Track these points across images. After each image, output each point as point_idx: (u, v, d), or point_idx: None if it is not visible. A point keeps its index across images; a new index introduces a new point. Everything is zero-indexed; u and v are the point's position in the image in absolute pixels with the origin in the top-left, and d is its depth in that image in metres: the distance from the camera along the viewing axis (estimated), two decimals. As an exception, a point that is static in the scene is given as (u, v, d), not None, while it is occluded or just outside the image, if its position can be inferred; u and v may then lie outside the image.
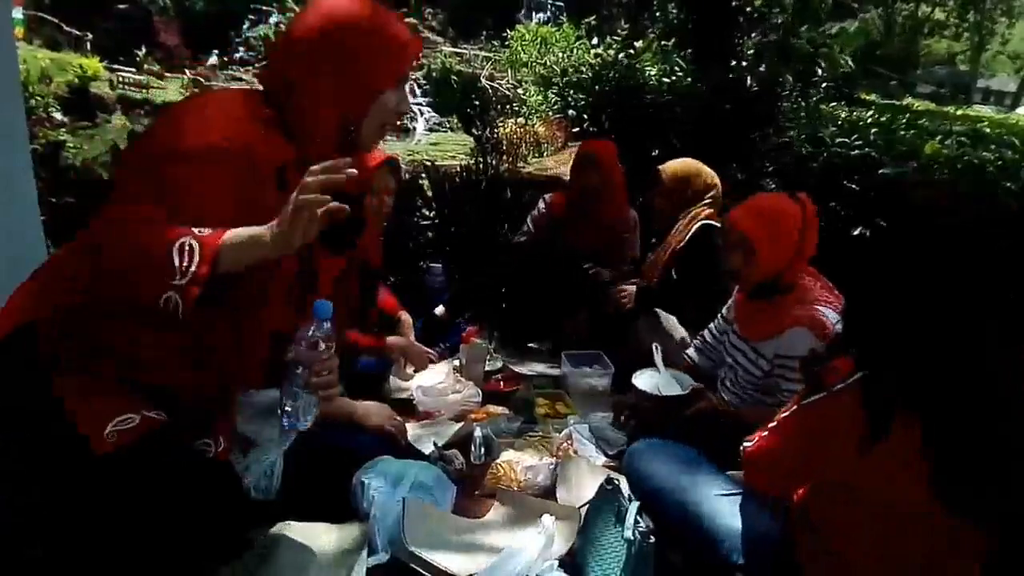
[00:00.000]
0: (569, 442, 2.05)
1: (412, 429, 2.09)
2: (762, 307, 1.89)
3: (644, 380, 2.01)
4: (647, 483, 1.50)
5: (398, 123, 1.21)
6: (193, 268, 0.93)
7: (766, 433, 1.27)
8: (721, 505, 1.37)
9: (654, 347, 2.07)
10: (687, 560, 1.47)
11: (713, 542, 1.33)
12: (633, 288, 2.69)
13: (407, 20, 1.34)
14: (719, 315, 2.17)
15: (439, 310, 2.83)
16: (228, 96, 1.15)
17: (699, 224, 2.57)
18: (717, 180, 2.67)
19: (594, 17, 7.35)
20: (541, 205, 3.01)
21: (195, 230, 0.95)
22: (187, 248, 0.93)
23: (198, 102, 1.14)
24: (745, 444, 1.32)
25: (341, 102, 1.11)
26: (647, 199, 2.77)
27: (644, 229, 2.99)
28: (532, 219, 3.01)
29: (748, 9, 4.57)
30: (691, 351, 2.22)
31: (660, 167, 2.67)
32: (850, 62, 6.97)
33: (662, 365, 2.03)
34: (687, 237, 2.58)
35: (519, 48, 7.87)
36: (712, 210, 2.61)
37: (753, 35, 4.55)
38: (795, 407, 1.22)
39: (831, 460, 1.15)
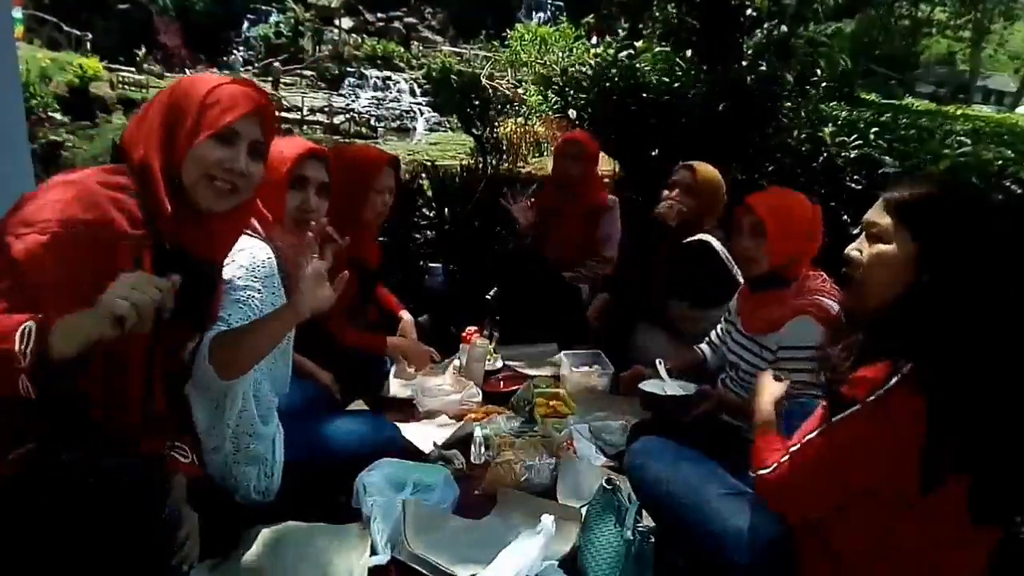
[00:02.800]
0: (569, 442, 2.05)
1: (412, 429, 2.09)
2: (764, 300, 1.90)
3: (650, 384, 2.04)
4: (649, 482, 1.49)
5: (233, 181, 1.20)
6: (30, 349, 0.93)
7: (787, 457, 1.17)
8: (725, 504, 1.36)
9: (657, 362, 2.10)
10: (688, 560, 1.47)
11: (716, 541, 1.32)
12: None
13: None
14: (723, 315, 2.17)
15: (423, 319, 2.81)
16: (92, 171, 1.16)
17: (699, 237, 2.48)
18: None
19: (592, 16, 7.35)
20: (528, 195, 3.11)
21: (39, 315, 0.96)
22: (27, 332, 0.94)
23: (65, 176, 1.13)
24: (762, 471, 1.22)
25: (161, 155, 1.15)
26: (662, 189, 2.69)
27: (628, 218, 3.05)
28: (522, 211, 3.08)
29: (748, 10, 4.57)
30: (703, 345, 2.25)
31: (690, 164, 2.56)
32: (849, 62, 6.97)
33: (666, 375, 2.06)
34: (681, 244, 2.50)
35: (519, 48, 7.87)
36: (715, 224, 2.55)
37: (753, 35, 4.54)
38: (823, 427, 1.11)
39: (878, 474, 1.07)
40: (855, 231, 1.21)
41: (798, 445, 1.15)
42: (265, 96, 1.26)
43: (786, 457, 1.17)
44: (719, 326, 2.20)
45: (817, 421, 1.15)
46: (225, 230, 1.28)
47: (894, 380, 1.01)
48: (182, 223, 1.18)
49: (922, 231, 1.05)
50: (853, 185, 3.36)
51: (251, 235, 1.50)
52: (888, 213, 1.09)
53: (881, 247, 1.09)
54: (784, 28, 4.32)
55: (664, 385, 2.03)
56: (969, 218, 1.05)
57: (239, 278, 1.41)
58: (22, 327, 0.95)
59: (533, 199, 3.11)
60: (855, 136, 3.68)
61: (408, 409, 2.27)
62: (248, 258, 1.45)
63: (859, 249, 1.15)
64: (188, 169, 1.17)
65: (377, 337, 2.27)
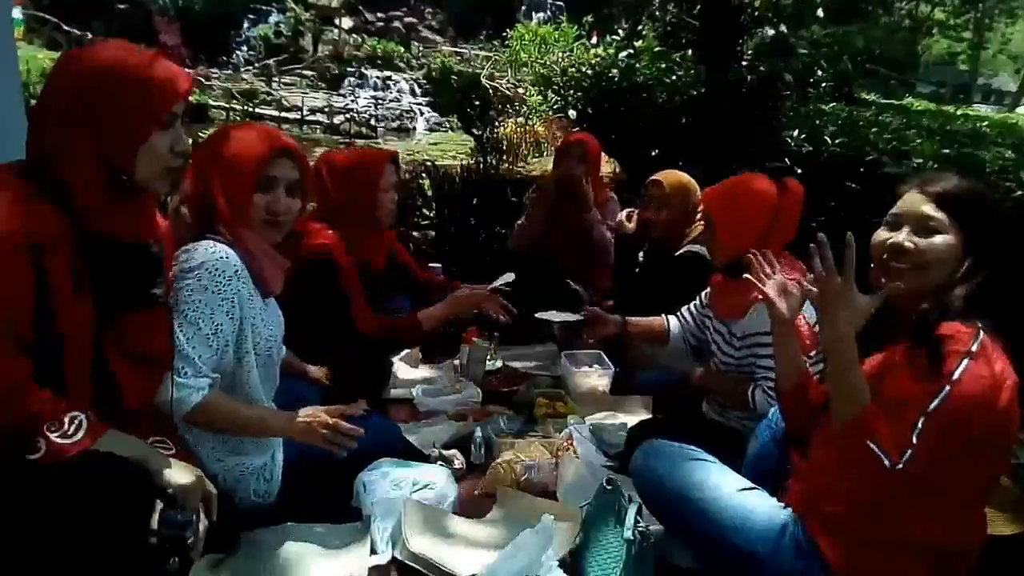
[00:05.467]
0: (569, 442, 2.05)
1: (412, 429, 2.09)
2: (731, 287, 1.92)
3: (545, 314, 2.31)
4: (658, 483, 1.48)
5: (180, 162, 1.20)
6: (79, 438, 1.04)
7: (916, 437, 1.08)
8: (741, 499, 1.37)
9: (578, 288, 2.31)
10: (702, 559, 1.47)
11: (735, 535, 1.32)
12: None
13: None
14: (698, 297, 2.19)
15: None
16: None
17: (687, 249, 2.50)
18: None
19: (590, 15, 7.33)
20: (531, 192, 3.13)
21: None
22: (77, 421, 1.05)
23: None
24: (898, 465, 1.09)
25: (103, 157, 1.11)
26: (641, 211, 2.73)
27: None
28: (528, 205, 3.10)
29: (749, 10, 4.57)
30: (671, 317, 2.26)
31: (656, 178, 2.61)
32: (850, 64, 6.96)
33: (566, 314, 2.33)
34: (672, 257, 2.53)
35: (519, 48, 7.87)
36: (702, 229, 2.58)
37: (753, 35, 4.54)
38: (946, 386, 1.09)
39: (998, 427, 1.14)
40: (887, 221, 1.30)
41: (920, 421, 1.10)
42: (177, 63, 1.23)
43: (915, 436, 1.09)
44: (692, 305, 2.21)
45: (918, 387, 1.13)
46: (153, 205, 1.27)
47: (981, 330, 1.14)
48: (114, 213, 1.15)
49: (967, 221, 1.23)
50: (853, 185, 3.37)
51: (216, 239, 1.41)
52: (940, 208, 1.24)
53: (942, 238, 1.23)
54: (784, 28, 4.32)
55: (554, 315, 2.32)
56: (992, 207, 1.28)
57: (205, 304, 1.34)
58: (71, 414, 1.05)
59: (534, 199, 3.11)
60: (855, 136, 3.69)
61: (408, 409, 2.28)
62: (213, 278, 1.35)
63: (911, 241, 1.24)
64: (143, 166, 1.14)
65: (407, 318, 2.24)
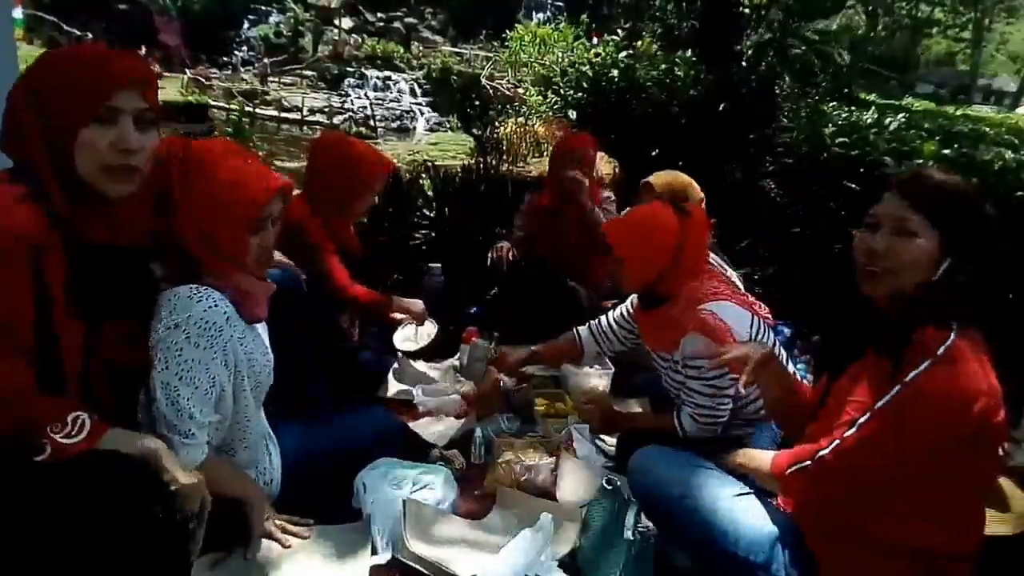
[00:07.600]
0: (569, 442, 2.05)
1: (412, 429, 2.09)
2: (655, 319, 1.91)
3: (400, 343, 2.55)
4: (655, 488, 1.47)
5: (129, 163, 1.12)
6: (82, 437, 1.04)
7: (853, 430, 1.14)
8: (737, 505, 1.36)
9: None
10: (697, 564, 1.47)
11: (731, 542, 1.32)
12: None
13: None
14: (622, 310, 2.16)
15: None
16: None
17: None
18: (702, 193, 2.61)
19: (586, 15, 7.34)
20: (527, 200, 3.11)
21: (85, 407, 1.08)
22: (80, 421, 1.05)
23: None
24: (821, 452, 1.17)
25: (46, 151, 1.10)
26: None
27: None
28: (521, 216, 3.10)
29: (746, 9, 4.58)
30: (583, 330, 2.23)
31: (649, 180, 2.57)
32: (845, 56, 6.96)
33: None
34: None
35: (519, 48, 7.88)
36: None
37: (751, 35, 4.55)
38: (899, 386, 1.11)
39: (980, 411, 1.10)
40: (865, 223, 1.26)
41: (866, 414, 1.13)
42: (137, 60, 1.19)
43: (851, 430, 1.14)
44: (614, 320, 2.17)
45: (871, 390, 1.15)
46: (139, 209, 1.21)
47: (953, 333, 1.12)
48: (92, 215, 1.13)
49: (944, 221, 1.18)
50: (853, 185, 3.36)
51: (207, 287, 1.31)
52: (913, 208, 1.20)
53: (916, 241, 1.19)
54: (777, 27, 4.33)
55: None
56: (973, 205, 1.21)
57: (198, 361, 1.27)
58: (74, 414, 1.04)
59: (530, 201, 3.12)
60: (855, 136, 3.68)
61: (408, 409, 2.28)
62: (203, 332, 1.27)
63: (883, 244, 1.21)
64: (81, 162, 1.10)
65: (385, 295, 2.40)
